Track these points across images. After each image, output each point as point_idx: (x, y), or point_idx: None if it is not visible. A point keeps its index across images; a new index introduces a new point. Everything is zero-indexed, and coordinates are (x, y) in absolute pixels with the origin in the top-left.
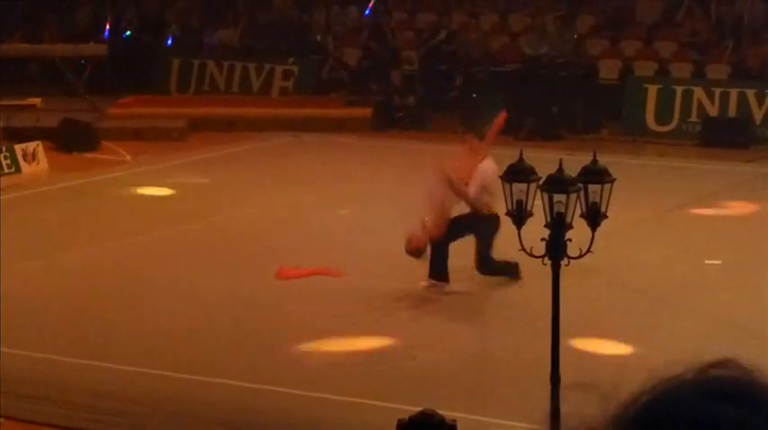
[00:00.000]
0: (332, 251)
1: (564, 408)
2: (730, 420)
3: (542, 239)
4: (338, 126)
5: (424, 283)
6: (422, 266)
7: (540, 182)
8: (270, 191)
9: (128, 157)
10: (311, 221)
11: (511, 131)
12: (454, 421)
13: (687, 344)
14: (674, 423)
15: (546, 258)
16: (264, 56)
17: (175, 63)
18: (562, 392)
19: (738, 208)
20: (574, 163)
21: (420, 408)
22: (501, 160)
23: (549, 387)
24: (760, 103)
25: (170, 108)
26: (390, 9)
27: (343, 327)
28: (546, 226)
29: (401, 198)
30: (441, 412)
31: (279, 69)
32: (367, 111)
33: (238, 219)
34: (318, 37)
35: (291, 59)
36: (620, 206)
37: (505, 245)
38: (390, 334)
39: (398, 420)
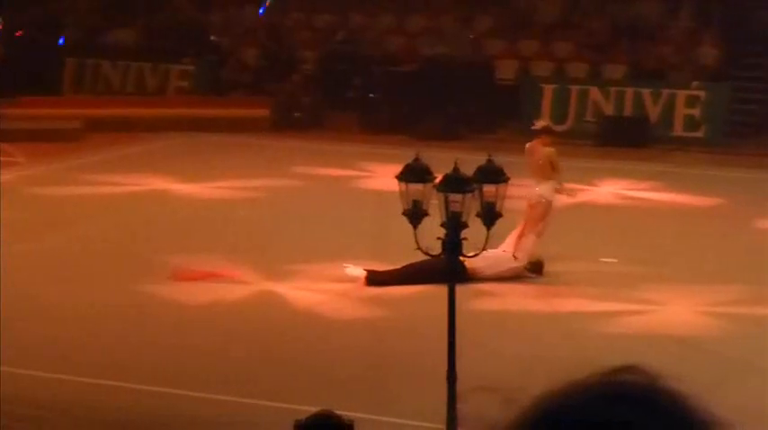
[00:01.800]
0: (228, 250)
1: (465, 411)
2: (632, 424)
3: (438, 238)
4: (236, 125)
5: None
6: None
7: (436, 182)
8: (165, 191)
9: (21, 159)
10: (204, 221)
11: (408, 130)
12: (351, 421)
13: (592, 348)
14: (577, 425)
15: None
16: (160, 56)
17: (70, 63)
18: (465, 396)
19: (637, 205)
20: (473, 163)
21: (317, 409)
22: (399, 160)
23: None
24: (655, 102)
25: (65, 109)
26: (288, 9)
27: (236, 328)
28: (442, 225)
29: (297, 197)
30: (338, 412)
31: (175, 69)
32: (265, 111)
33: (129, 222)
34: (214, 37)
35: (188, 59)
36: (519, 207)
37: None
38: (286, 334)
39: (295, 421)
